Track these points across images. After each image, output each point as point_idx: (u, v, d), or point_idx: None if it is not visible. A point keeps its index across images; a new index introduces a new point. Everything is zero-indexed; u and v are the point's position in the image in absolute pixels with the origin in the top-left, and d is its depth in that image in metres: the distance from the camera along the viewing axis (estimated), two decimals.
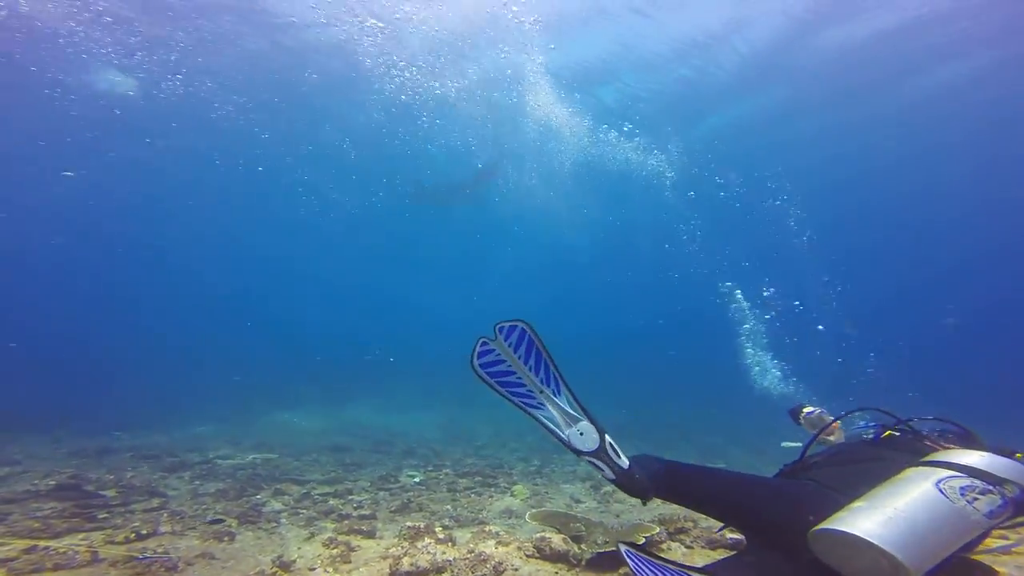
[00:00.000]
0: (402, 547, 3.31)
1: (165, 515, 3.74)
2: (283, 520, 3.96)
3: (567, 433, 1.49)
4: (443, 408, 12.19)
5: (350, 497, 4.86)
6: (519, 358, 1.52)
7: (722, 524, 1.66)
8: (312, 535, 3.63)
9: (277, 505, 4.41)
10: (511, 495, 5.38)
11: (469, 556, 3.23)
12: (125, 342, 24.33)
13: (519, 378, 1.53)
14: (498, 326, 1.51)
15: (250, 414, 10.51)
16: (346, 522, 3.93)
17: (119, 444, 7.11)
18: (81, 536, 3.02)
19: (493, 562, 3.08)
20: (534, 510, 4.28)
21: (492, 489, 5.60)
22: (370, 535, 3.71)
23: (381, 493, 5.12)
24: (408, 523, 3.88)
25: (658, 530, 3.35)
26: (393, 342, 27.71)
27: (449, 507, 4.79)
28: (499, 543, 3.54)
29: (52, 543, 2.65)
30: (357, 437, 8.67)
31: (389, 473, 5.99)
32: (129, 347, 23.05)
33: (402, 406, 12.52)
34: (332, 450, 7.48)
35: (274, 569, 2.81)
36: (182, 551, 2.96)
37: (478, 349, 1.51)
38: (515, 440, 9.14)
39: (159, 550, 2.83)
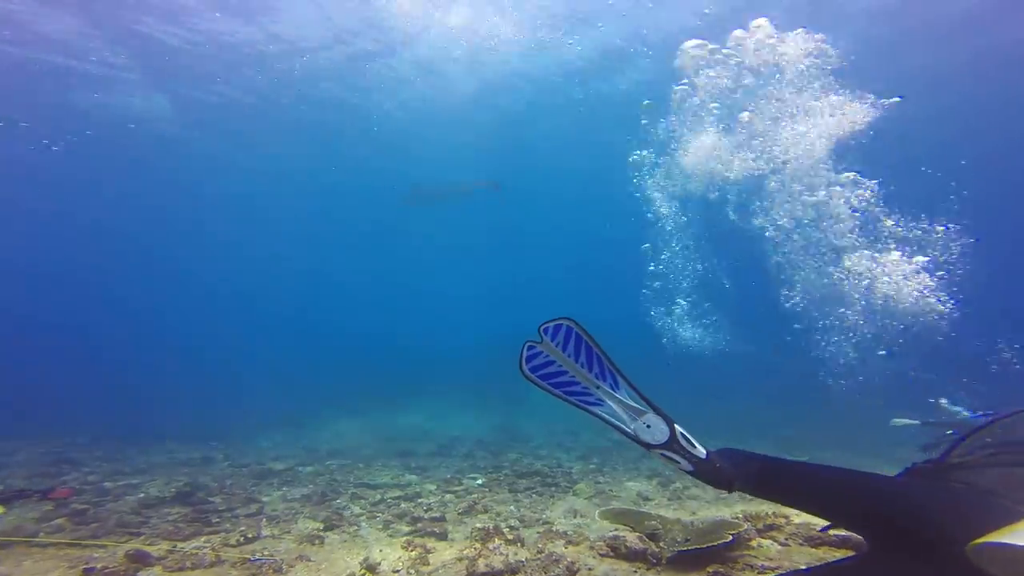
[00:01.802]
0: (474, 548, 3.46)
1: (264, 520, 4.19)
2: (363, 523, 4.28)
3: (632, 427, 1.43)
4: (495, 411, 12.45)
5: (420, 500, 5.13)
6: (569, 356, 1.47)
7: (828, 523, 1.54)
8: (391, 537, 3.89)
9: (356, 509, 4.78)
10: (573, 494, 5.40)
11: (541, 556, 3.30)
12: (211, 358, 27.29)
13: (572, 377, 1.48)
14: (542, 327, 1.46)
15: (320, 422, 11.40)
16: (419, 524, 4.17)
17: (216, 454, 8.01)
18: (204, 539, 3.49)
19: (566, 562, 3.12)
20: (603, 508, 4.26)
21: (553, 489, 5.65)
22: (442, 537, 3.91)
23: (447, 495, 5.35)
24: (477, 524, 4.04)
25: (745, 527, 3.19)
26: (443, 344, 28.71)
27: (512, 508, 4.90)
28: (569, 543, 3.58)
29: (184, 545, 3.10)
30: (418, 442, 9.11)
31: (453, 476, 6.24)
32: (216, 363, 25.84)
33: (456, 410, 12.96)
34: (398, 455, 7.93)
35: (363, 571, 3.06)
36: (283, 553, 3.31)
37: (525, 354, 1.48)
38: (570, 439, 9.13)
39: (264, 552, 3.19)
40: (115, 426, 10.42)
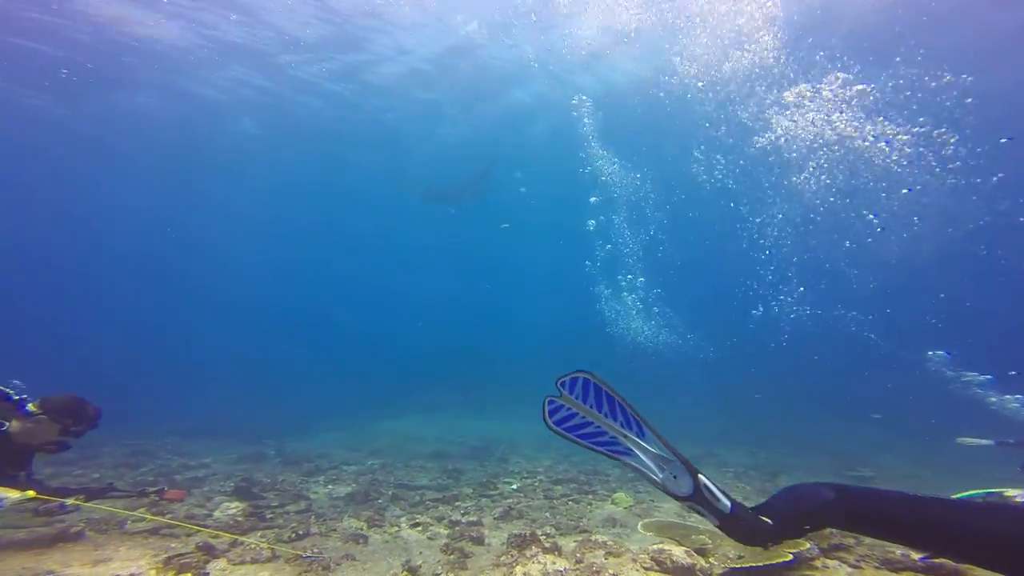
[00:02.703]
0: (511, 555, 3.46)
1: (312, 517, 4.43)
2: (403, 524, 4.41)
3: (662, 478, 1.43)
4: (528, 415, 12.43)
5: (457, 503, 5.22)
6: (591, 407, 1.50)
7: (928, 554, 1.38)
8: (430, 540, 3.98)
9: (396, 510, 4.93)
10: (612, 503, 5.28)
11: (580, 566, 3.24)
12: (263, 359, 29.28)
13: (598, 427, 1.51)
14: (559, 382, 1.50)
15: (362, 423, 11.89)
16: (457, 528, 4.24)
17: (268, 451, 8.56)
18: (260, 534, 3.74)
19: (608, 574, 3.05)
20: (646, 520, 4.12)
21: (590, 496, 5.56)
22: (479, 541, 3.94)
23: (483, 500, 5.40)
24: (513, 531, 4.04)
25: (808, 545, 2.95)
26: (479, 350, 29.16)
27: (548, 514, 4.87)
28: (609, 553, 3.50)
29: (245, 539, 3.34)
30: (454, 444, 9.27)
31: (488, 480, 6.30)
32: (267, 364, 27.72)
33: (490, 414, 13.09)
34: (434, 457, 8.11)
35: (404, 573, 3.15)
36: (330, 551, 3.48)
37: (547, 408, 1.52)
38: None
39: (314, 550, 3.37)
40: (181, 421, 11.40)
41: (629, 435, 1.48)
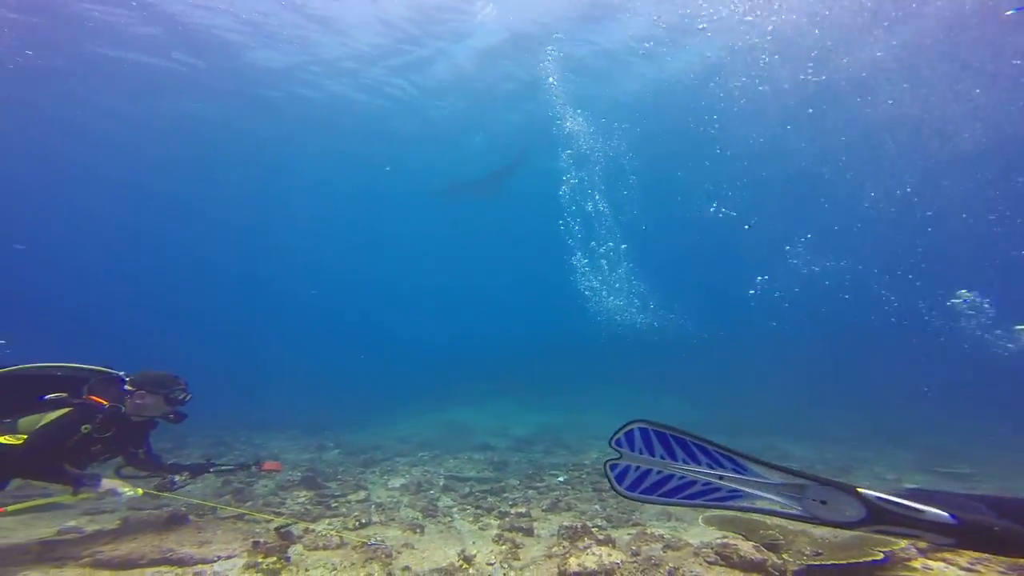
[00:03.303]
0: (563, 547, 3.48)
1: (373, 507, 4.71)
2: (455, 515, 4.58)
3: (803, 510, 1.13)
4: (573, 407, 12.42)
5: (504, 495, 5.33)
6: (662, 458, 1.24)
7: None
8: (482, 531, 4.11)
9: (448, 500, 5.13)
10: None
11: (637, 559, 3.19)
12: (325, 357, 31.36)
13: (683, 478, 1.23)
14: (613, 440, 1.28)
15: (411, 417, 12.43)
16: (507, 519, 4.33)
17: (328, 442, 9.20)
18: (327, 521, 4.05)
19: (667, 567, 2.97)
20: (707, 513, 3.98)
21: None
22: (529, 533, 4.01)
23: (530, 491, 5.48)
24: (563, 522, 4.06)
25: (904, 543, 2.53)
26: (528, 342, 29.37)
27: (598, 507, 4.85)
28: (668, 547, 3.42)
29: (315, 526, 3.63)
30: (499, 436, 9.47)
31: (535, 472, 6.37)
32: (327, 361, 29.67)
33: (535, 406, 13.20)
34: (480, 448, 8.33)
35: (460, 562, 3.27)
36: (391, 540, 3.69)
37: (612, 475, 1.30)
38: None
39: (377, 538, 3.59)
40: (249, 414, 12.51)
41: (726, 475, 1.22)
